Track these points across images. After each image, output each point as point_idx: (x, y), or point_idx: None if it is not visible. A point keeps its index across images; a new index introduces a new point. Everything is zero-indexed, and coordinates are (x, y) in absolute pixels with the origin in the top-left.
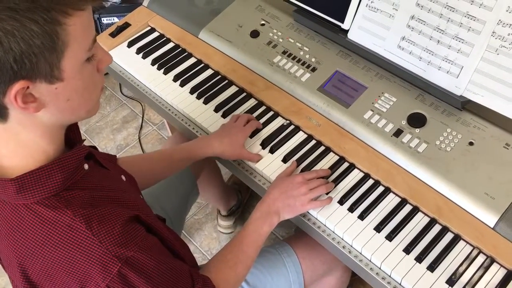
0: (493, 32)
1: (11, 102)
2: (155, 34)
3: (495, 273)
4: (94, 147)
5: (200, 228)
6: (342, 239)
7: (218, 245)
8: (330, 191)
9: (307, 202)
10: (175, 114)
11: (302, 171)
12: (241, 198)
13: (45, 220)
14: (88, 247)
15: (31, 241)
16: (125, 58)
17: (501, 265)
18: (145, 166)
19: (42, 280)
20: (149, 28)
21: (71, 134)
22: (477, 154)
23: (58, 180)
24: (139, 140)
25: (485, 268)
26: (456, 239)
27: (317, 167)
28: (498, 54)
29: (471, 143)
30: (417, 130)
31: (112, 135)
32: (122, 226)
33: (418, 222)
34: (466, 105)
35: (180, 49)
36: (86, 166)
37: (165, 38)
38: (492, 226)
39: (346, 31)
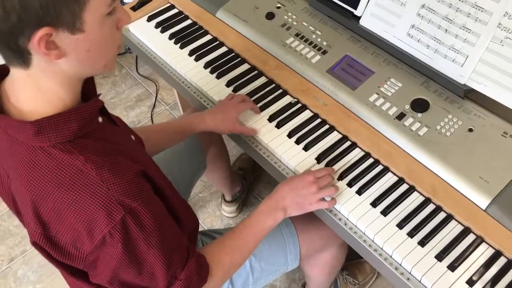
0: (499, 24)
1: (35, 47)
2: (174, 11)
3: (483, 252)
4: None
5: (204, 206)
6: (339, 212)
7: (220, 223)
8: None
9: (315, 202)
10: (188, 87)
11: (305, 146)
12: (246, 184)
13: (59, 162)
14: (96, 192)
15: (44, 181)
16: (144, 31)
17: (490, 245)
18: (143, 137)
19: (52, 219)
20: (169, 4)
21: (88, 89)
22: (476, 140)
23: (74, 127)
24: (151, 118)
25: (474, 247)
26: (448, 218)
27: (321, 144)
28: (503, 45)
29: (470, 130)
30: (419, 115)
31: (126, 112)
32: (130, 178)
33: (413, 200)
34: (469, 94)
35: (197, 26)
36: (100, 119)
37: (183, 15)
38: (484, 208)
39: (359, 18)
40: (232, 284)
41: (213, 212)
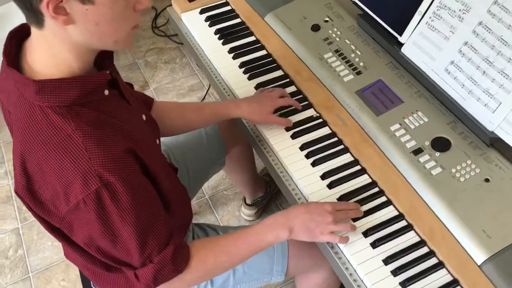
0: None
1: (44, 9)
2: (227, 8)
3: None
4: (131, 85)
5: (226, 203)
6: None
7: (237, 223)
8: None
9: (326, 233)
10: (219, 82)
11: (314, 162)
12: (270, 191)
13: (51, 123)
14: (78, 160)
15: (35, 137)
16: (193, 22)
17: None
18: (177, 113)
19: (36, 174)
20: (223, 1)
21: (107, 63)
22: (489, 192)
23: (73, 95)
24: None
25: None
26: (439, 265)
27: (330, 162)
28: None
29: (487, 180)
30: (437, 154)
31: (176, 98)
32: (116, 153)
33: (408, 239)
34: (495, 143)
35: (244, 26)
36: (106, 92)
37: (234, 13)
38: (479, 264)
39: (401, 45)
40: (212, 282)
41: (233, 212)
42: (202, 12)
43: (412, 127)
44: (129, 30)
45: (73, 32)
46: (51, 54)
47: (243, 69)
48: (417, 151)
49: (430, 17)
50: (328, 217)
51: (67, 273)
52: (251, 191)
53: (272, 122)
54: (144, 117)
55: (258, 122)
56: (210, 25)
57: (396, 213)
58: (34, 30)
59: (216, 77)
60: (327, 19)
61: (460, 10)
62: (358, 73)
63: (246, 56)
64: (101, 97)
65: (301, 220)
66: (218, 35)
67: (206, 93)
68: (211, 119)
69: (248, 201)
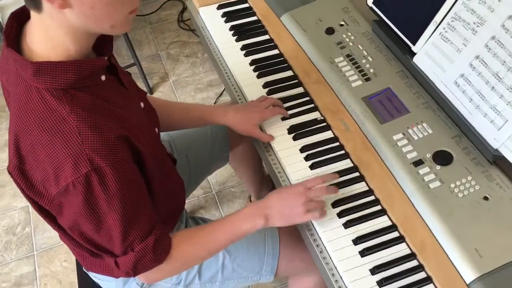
0: None
1: None
2: (245, 5)
3: None
4: (129, 74)
5: (232, 200)
6: (319, 237)
7: None
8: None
9: (303, 213)
10: (229, 78)
11: (312, 165)
12: None
13: (47, 105)
14: (70, 142)
15: (29, 118)
16: (210, 17)
17: None
18: (162, 111)
19: (28, 154)
20: None
21: (106, 48)
22: (487, 210)
23: (70, 78)
24: (214, 104)
25: None
26: (427, 280)
27: (328, 167)
28: None
29: (485, 198)
30: (438, 167)
31: (194, 92)
32: (109, 139)
33: (397, 251)
34: (498, 161)
35: (260, 24)
36: (103, 77)
37: (251, 11)
38: (467, 282)
39: (414, 54)
40: (200, 275)
41: (238, 209)
42: (219, 7)
43: (416, 138)
44: (126, 14)
45: (69, 16)
46: (49, 37)
47: (253, 67)
48: (418, 163)
49: (444, 28)
50: (301, 198)
51: (70, 254)
52: (256, 189)
53: (255, 135)
54: (142, 104)
55: (242, 133)
56: (226, 21)
57: (389, 223)
58: (33, 13)
59: (226, 72)
60: (342, 23)
61: (474, 23)
62: (367, 79)
63: (258, 54)
64: (97, 82)
65: (275, 209)
66: (232, 31)
67: (224, 89)
68: (196, 122)
69: (253, 199)
